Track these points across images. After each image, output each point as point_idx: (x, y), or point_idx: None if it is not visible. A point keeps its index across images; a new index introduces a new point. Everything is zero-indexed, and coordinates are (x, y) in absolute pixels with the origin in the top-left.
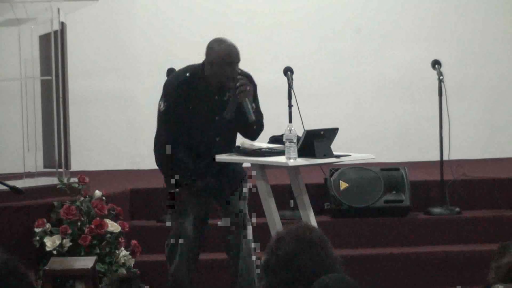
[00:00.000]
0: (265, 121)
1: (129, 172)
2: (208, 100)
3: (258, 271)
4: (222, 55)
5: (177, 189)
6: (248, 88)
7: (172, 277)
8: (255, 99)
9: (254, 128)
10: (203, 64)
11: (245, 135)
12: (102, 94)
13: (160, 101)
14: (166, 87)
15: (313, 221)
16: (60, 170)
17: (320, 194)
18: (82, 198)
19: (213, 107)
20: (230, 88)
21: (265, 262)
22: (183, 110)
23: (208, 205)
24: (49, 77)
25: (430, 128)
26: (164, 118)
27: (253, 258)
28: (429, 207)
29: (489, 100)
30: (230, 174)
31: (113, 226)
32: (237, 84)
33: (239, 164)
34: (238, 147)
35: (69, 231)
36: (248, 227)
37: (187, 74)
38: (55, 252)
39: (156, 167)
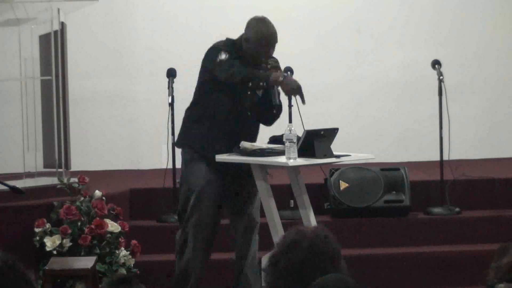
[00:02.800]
0: None
1: (129, 172)
2: None
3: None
4: (260, 37)
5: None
6: (279, 71)
7: (184, 266)
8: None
9: (274, 112)
10: (240, 39)
11: (263, 118)
12: (102, 94)
13: (215, 56)
14: (218, 45)
15: (313, 221)
16: (60, 170)
17: (320, 194)
18: (82, 198)
19: None
20: (263, 66)
21: (274, 260)
22: None
23: (224, 199)
24: (49, 77)
25: (430, 128)
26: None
27: (257, 261)
28: (429, 207)
29: (489, 100)
30: (249, 179)
31: (113, 226)
32: (269, 66)
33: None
34: (238, 147)
35: (69, 231)
36: (256, 232)
37: (231, 41)
38: (55, 252)
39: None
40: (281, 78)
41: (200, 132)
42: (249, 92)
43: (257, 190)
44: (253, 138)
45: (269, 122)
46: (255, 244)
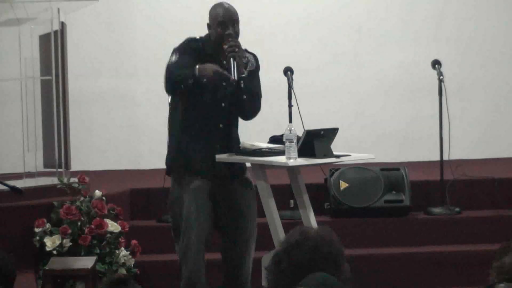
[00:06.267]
0: (265, 121)
1: (129, 172)
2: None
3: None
4: (214, 18)
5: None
6: (237, 49)
7: (188, 274)
8: (254, 78)
9: (243, 99)
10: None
11: (239, 109)
12: (102, 94)
13: (171, 56)
14: (180, 45)
15: (313, 221)
16: (60, 170)
17: (320, 194)
18: (82, 198)
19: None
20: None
21: (277, 259)
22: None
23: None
24: (49, 77)
25: (430, 128)
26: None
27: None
28: (429, 207)
29: (489, 100)
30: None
31: (113, 226)
32: (228, 44)
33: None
34: (238, 147)
35: (69, 231)
36: (251, 253)
37: (198, 37)
38: (55, 252)
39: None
40: (205, 71)
41: (179, 156)
42: (224, 83)
43: (250, 200)
44: (230, 138)
45: (245, 114)
46: (247, 263)
